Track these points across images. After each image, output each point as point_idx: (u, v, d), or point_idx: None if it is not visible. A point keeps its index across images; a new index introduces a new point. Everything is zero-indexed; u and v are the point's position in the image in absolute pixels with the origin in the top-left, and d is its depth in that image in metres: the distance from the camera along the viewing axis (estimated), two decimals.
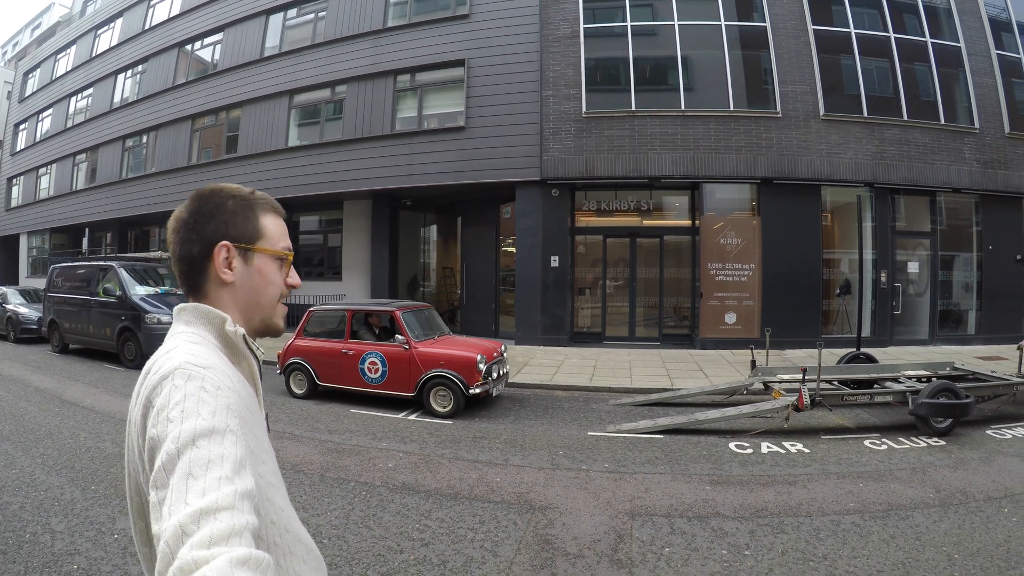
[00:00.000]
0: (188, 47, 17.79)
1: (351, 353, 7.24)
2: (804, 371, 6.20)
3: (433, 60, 13.12)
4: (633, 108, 11.80)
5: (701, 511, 4.07)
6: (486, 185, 12.34)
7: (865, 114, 12.13)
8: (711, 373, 9.11)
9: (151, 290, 10.40)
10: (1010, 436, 6.15)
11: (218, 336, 0.95)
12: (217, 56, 16.87)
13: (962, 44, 13.11)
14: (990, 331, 12.60)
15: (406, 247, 14.37)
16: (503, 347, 7.50)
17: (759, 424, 6.29)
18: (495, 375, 6.98)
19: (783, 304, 11.49)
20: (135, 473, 0.86)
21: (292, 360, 7.60)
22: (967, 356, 10.19)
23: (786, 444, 5.71)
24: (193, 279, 0.99)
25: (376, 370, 7.06)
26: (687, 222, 12.03)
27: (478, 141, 12.35)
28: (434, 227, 15.20)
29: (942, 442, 5.85)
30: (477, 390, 6.63)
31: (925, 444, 5.80)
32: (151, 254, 12.89)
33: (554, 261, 11.66)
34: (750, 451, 5.50)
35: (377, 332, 7.61)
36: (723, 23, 12.19)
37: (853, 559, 3.42)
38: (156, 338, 9.43)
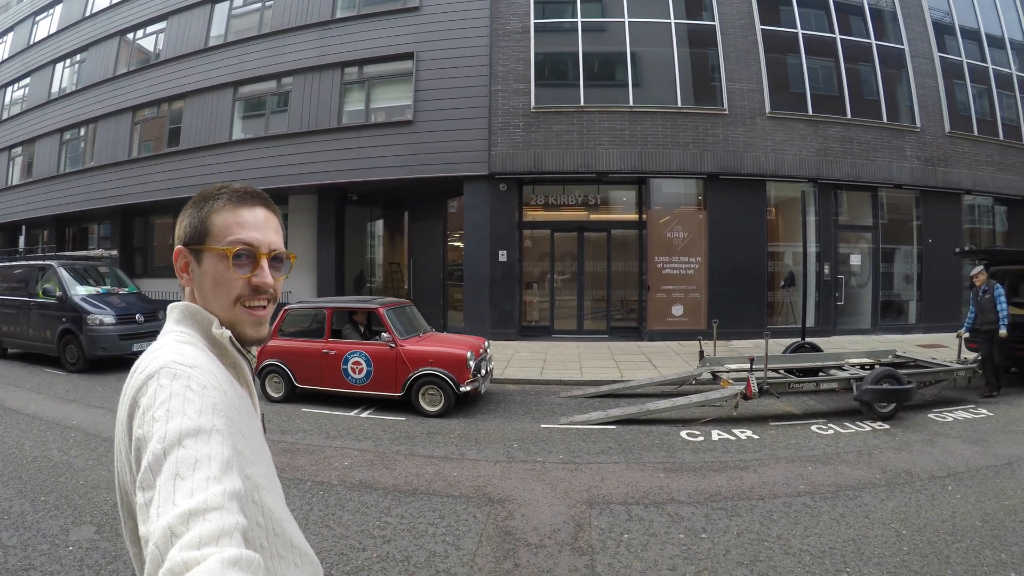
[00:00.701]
0: (130, 36, 17.39)
1: (332, 353, 6.95)
2: (751, 360, 6.42)
3: (381, 53, 13.10)
4: (582, 104, 11.97)
5: (657, 498, 4.22)
6: (434, 179, 12.36)
7: (810, 112, 12.54)
8: (660, 364, 9.29)
9: (92, 290, 10.09)
10: (951, 419, 6.49)
11: (206, 336, 0.95)
12: (160, 45, 16.53)
13: (906, 46, 13.67)
14: (930, 320, 13.18)
15: (352, 242, 14.28)
16: (487, 343, 7.44)
17: (709, 413, 6.47)
18: (483, 372, 6.95)
19: (729, 296, 11.78)
20: (123, 474, 0.85)
21: (267, 362, 7.22)
22: (908, 344, 10.60)
23: (736, 431, 5.92)
24: (181, 283, 1.01)
25: (360, 370, 6.83)
26: (634, 216, 12.25)
27: (426, 135, 12.36)
28: (381, 222, 15.14)
29: (886, 426, 6.13)
30: (467, 388, 6.55)
31: (870, 428, 6.08)
32: (91, 252, 12.53)
33: (502, 255, 11.74)
34: (701, 439, 5.70)
35: (361, 331, 7.41)
36: (672, 21, 12.47)
37: (806, 538, 3.59)
38: (99, 340, 9.18)
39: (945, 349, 9.89)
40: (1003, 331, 7.49)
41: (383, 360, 6.76)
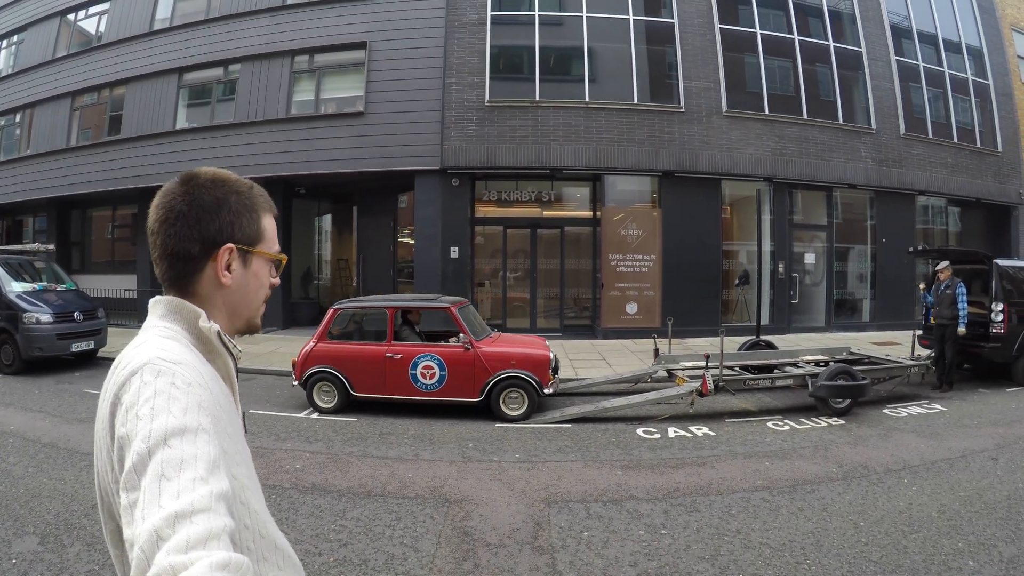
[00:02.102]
0: (71, 16, 17.05)
1: (398, 357, 6.59)
2: (707, 358, 6.63)
3: (334, 41, 13.11)
4: (537, 98, 12.17)
5: (615, 495, 4.34)
6: (385, 173, 12.43)
7: (766, 112, 12.96)
8: (614, 362, 9.50)
9: (28, 286, 9.88)
10: (905, 414, 6.82)
11: (191, 331, 0.94)
12: (102, 28, 16.24)
13: (863, 49, 14.21)
14: (883, 318, 13.73)
15: (299, 238, 14.21)
16: (547, 343, 7.39)
17: (665, 410, 6.66)
18: (559, 373, 6.88)
19: (684, 294, 12.10)
20: (103, 473, 0.84)
21: (316, 369, 6.70)
22: (862, 342, 11.01)
23: (692, 428, 6.13)
24: (184, 278, 0.96)
25: (432, 375, 6.53)
26: (588, 213, 12.52)
27: (378, 128, 12.42)
28: (329, 217, 15.14)
29: (841, 421, 6.42)
30: (550, 390, 6.51)
31: (825, 424, 6.35)
32: (27, 246, 12.26)
33: (454, 252, 11.87)
34: (658, 436, 5.88)
35: (418, 331, 7.14)
36: (631, 17, 12.75)
37: (766, 531, 3.75)
38: (36, 340, 8.96)
39: (899, 347, 10.31)
40: (962, 329, 7.90)
41: (459, 363, 6.50)
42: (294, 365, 6.87)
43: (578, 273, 12.45)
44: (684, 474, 4.79)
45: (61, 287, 10.23)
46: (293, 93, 13.36)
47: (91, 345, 9.68)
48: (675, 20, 12.88)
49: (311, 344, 6.85)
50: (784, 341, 10.83)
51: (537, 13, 12.64)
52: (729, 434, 5.94)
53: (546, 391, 6.51)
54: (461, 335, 6.68)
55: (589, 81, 12.34)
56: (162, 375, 0.79)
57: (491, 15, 12.62)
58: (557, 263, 12.40)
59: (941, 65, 15.35)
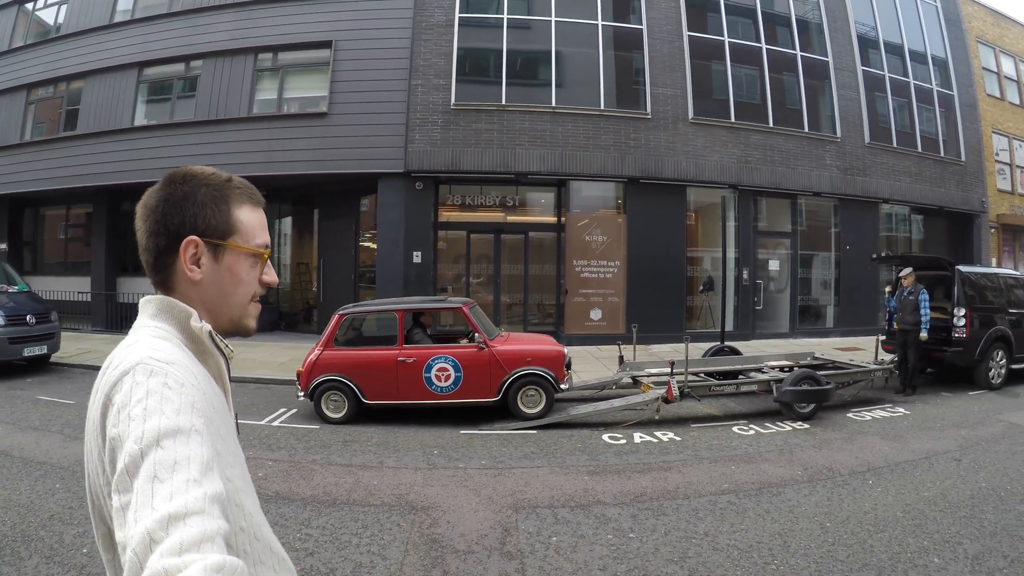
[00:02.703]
0: (29, 5, 16.68)
1: (411, 361, 6.50)
2: (672, 364, 6.72)
3: (298, 40, 13.00)
4: (503, 102, 12.21)
5: (582, 500, 4.40)
6: (347, 176, 12.36)
7: (732, 119, 13.16)
8: (579, 369, 9.52)
9: None
10: (869, 418, 7.00)
11: (183, 331, 0.94)
12: (61, 18, 15.91)
13: (830, 59, 14.50)
14: (847, 324, 14.03)
15: None
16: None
17: (631, 416, 6.72)
18: (571, 369, 7.04)
19: (648, 300, 12.23)
20: (94, 476, 0.83)
21: (324, 377, 6.53)
22: (826, 347, 11.20)
23: (658, 433, 6.21)
24: (159, 273, 0.97)
25: (447, 377, 6.48)
26: (553, 219, 12.60)
27: (341, 129, 12.34)
28: (289, 219, 14.99)
29: (806, 425, 6.56)
30: (565, 386, 6.61)
31: (790, 428, 6.49)
32: None
33: (416, 256, 11.86)
34: (624, 442, 5.96)
35: (429, 333, 7.09)
36: (600, 23, 12.85)
37: (733, 534, 3.83)
38: None
39: (863, 352, 10.52)
40: (924, 334, 8.13)
41: (474, 364, 6.49)
42: (298, 375, 6.68)
43: (542, 279, 12.51)
44: (651, 478, 4.87)
45: (13, 289, 10.00)
46: (256, 92, 13.22)
47: (44, 350, 9.48)
48: (643, 26, 13.01)
49: (316, 352, 6.64)
50: (748, 347, 11.00)
51: (506, 16, 12.68)
52: (695, 439, 6.05)
53: (563, 387, 6.61)
54: (476, 335, 6.65)
55: (556, 86, 12.42)
56: (154, 375, 0.79)
57: (459, 17, 12.62)
58: (521, 268, 12.45)
59: (907, 76, 15.71)
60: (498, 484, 4.71)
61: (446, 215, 12.47)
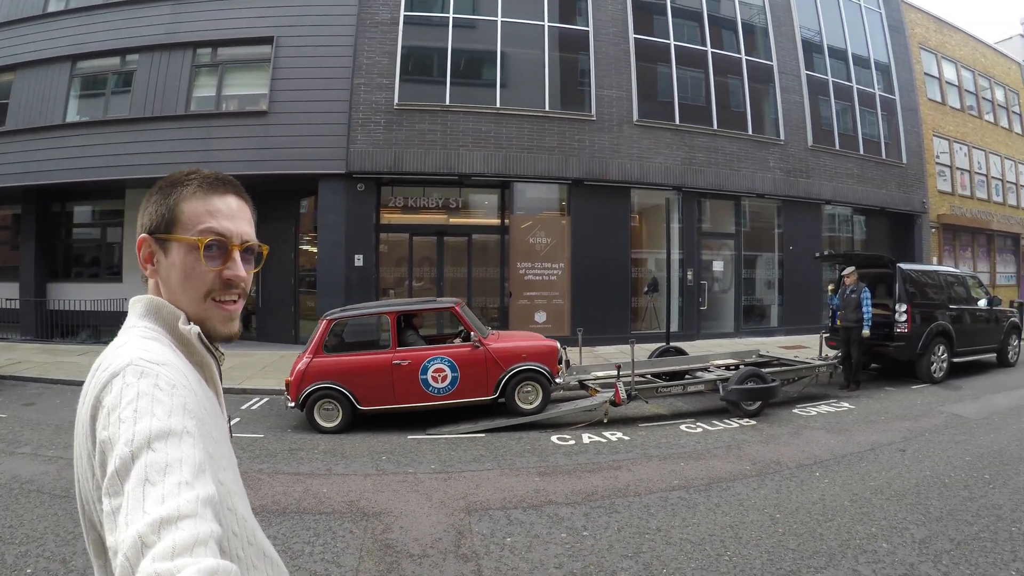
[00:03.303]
0: None
1: (406, 364, 6.47)
2: (619, 367, 6.80)
3: (239, 35, 12.77)
4: (447, 103, 12.21)
5: (534, 501, 4.47)
6: (287, 177, 12.21)
7: (677, 121, 13.41)
8: None
9: None
10: (815, 413, 7.24)
11: (172, 333, 0.93)
12: None
13: (774, 62, 14.86)
14: (791, 323, 14.46)
15: None
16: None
17: (579, 418, 6.84)
18: (564, 363, 7.13)
19: (593, 302, 12.41)
20: (84, 480, 0.82)
21: (316, 386, 6.41)
22: (771, 346, 11.47)
23: (606, 434, 6.33)
24: (144, 274, 0.99)
25: (444, 378, 6.51)
26: (496, 221, 12.67)
27: (281, 128, 12.18)
28: None
29: (753, 422, 6.76)
30: (561, 380, 6.75)
31: (737, 425, 6.67)
32: None
33: (358, 260, 11.80)
34: (572, 443, 6.06)
35: (421, 335, 7.11)
36: (546, 24, 12.93)
37: (685, 528, 3.96)
38: None
39: (807, 350, 10.83)
40: (866, 331, 8.42)
41: (470, 363, 6.54)
42: (287, 386, 6.52)
43: (486, 282, 12.55)
44: (601, 478, 4.97)
45: None
46: (193, 88, 12.94)
47: None
48: (590, 28, 13.15)
49: (306, 360, 6.51)
50: (694, 347, 11.23)
51: (451, 15, 12.66)
52: (643, 438, 6.18)
53: (557, 380, 6.76)
54: (471, 334, 6.70)
55: (501, 87, 12.46)
56: (145, 376, 0.79)
57: (404, 15, 12.56)
58: (464, 271, 12.47)
59: (850, 80, 16.20)
60: (449, 488, 4.76)
61: (388, 217, 12.42)
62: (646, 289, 13.01)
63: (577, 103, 12.91)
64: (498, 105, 12.33)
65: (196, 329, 0.93)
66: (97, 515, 0.78)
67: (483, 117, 12.24)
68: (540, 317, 12.40)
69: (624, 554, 3.58)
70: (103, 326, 13.01)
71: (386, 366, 6.51)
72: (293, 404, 6.47)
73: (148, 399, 0.76)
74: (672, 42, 13.77)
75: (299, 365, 6.51)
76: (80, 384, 0.88)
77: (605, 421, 6.71)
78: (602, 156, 12.64)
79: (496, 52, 12.59)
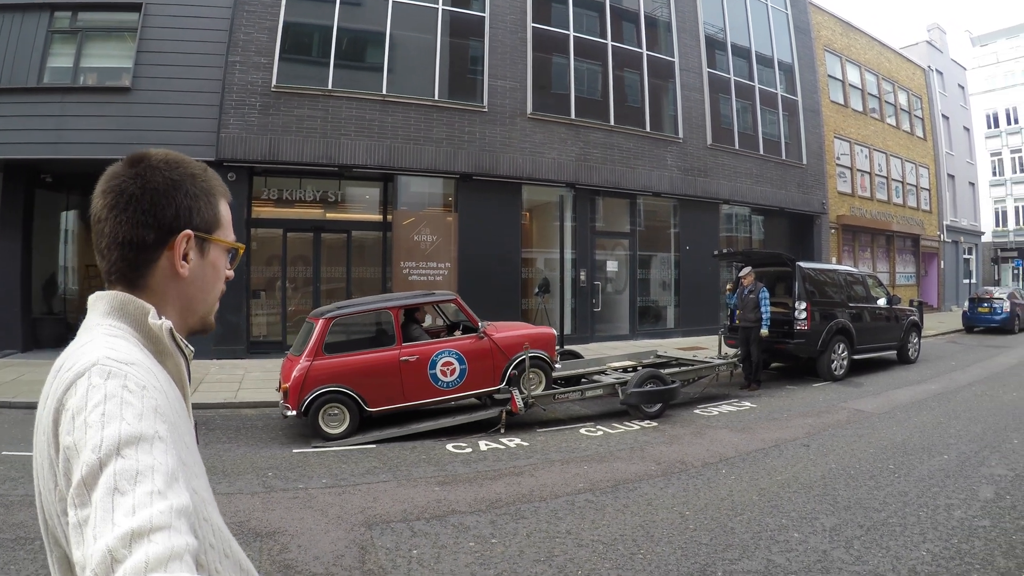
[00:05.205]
0: None
1: (414, 359, 6.50)
2: (514, 377, 6.82)
3: None
4: (330, 86, 11.87)
5: (437, 511, 4.43)
6: None
7: (572, 116, 13.56)
8: None
9: None
10: (717, 413, 7.51)
11: (139, 330, 0.88)
12: None
13: (676, 59, 15.21)
14: (688, 324, 14.98)
15: (42, 238, 12.64)
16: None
17: (475, 416, 6.82)
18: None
19: (481, 304, 12.17)
20: (46, 492, 0.78)
21: (320, 390, 6.24)
22: (668, 348, 11.71)
23: (504, 440, 6.35)
24: (136, 270, 0.91)
25: (452, 371, 6.61)
26: (378, 217, 12.45)
27: (147, 108, 11.54)
28: (75, 212, 13.68)
29: (654, 423, 6.93)
30: (559, 365, 7.08)
31: (639, 426, 6.84)
32: None
33: None
34: (469, 450, 6.02)
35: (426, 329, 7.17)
36: (440, 6, 12.71)
37: (595, 529, 4.02)
38: None
39: (705, 351, 11.16)
40: (764, 331, 8.77)
41: (477, 354, 6.67)
42: (285, 393, 6.28)
43: (366, 282, 12.20)
44: (504, 484, 4.99)
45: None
46: (48, 57, 12.06)
47: None
48: (486, 14, 13.05)
49: (306, 363, 6.29)
50: (588, 350, 11.39)
51: None
52: (543, 443, 6.25)
53: (557, 366, 7.09)
54: (480, 323, 6.87)
55: (388, 72, 12.18)
56: (113, 377, 0.75)
57: None
58: (343, 271, 12.12)
59: (752, 79, 16.82)
60: (345, 502, 4.66)
61: (260, 211, 11.88)
62: (537, 290, 13.10)
63: (469, 93, 12.83)
64: (384, 92, 12.09)
65: (168, 324, 0.90)
66: (62, 528, 0.75)
67: (368, 104, 11.99)
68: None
69: (536, 559, 3.63)
70: None
71: (394, 363, 6.49)
72: (294, 412, 6.25)
73: (116, 402, 0.73)
74: (572, 33, 13.86)
75: (298, 371, 6.26)
76: None
77: (502, 430, 6.72)
78: (493, 150, 12.64)
79: (385, 34, 12.28)
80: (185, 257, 0.93)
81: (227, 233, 1.01)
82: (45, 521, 0.83)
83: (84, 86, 11.95)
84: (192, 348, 0.98)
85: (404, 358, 6.54)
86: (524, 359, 6.85)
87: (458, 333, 7.13)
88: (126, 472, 0.67)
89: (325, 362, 6.40)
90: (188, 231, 0.93)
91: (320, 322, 6.50)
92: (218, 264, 1.00)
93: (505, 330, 7.23)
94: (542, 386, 7.08)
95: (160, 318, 0.91)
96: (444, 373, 6.66)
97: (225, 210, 1.02)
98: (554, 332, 7.30)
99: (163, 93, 11.60)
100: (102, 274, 0.95)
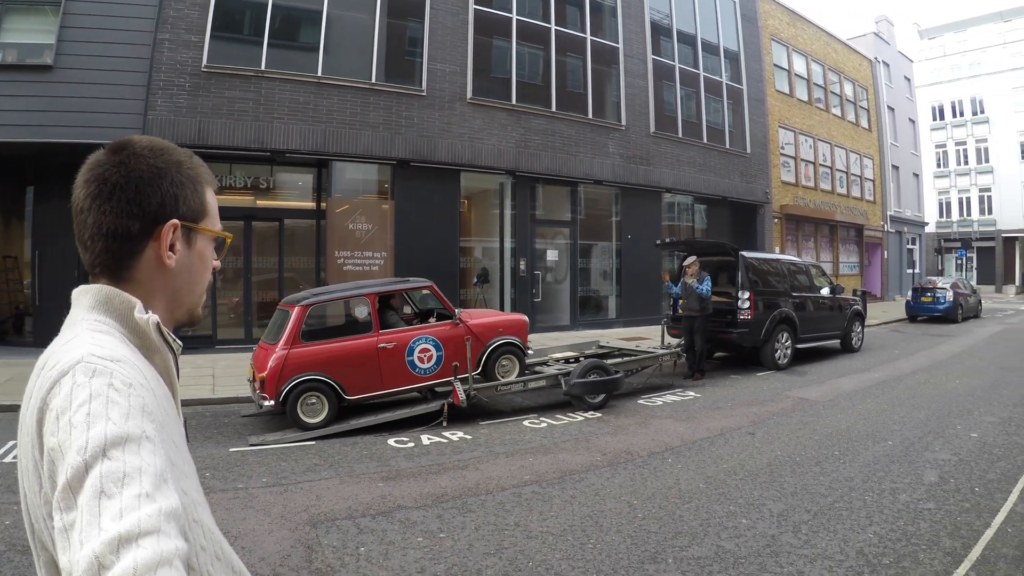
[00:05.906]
0: None
1: (392, 346, 6.57)
2: (455, 366, 6.76)
3: None
4: (263, 67, 11.72)
5: (382, 507, 4.43)
6: (72, 146, 11.30)
7: (513, 101, 13.65)
8: None
9: None
10: (661, 403, 7.65)
11: (125, 324, 0.87)
12: None
13: (620, 45, 15.40)
14: (630, 314, 15.29)
15: None
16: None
17: (418, 410, 6.83)
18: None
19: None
20: (31, 495, 0.77)
21: (299, 378, 6.20)
22: (610, 338, 11.78)
23: (446, 434, 6.37)
24: (121, 261, 0.89)
25: (429, 357, 6.73)
26: (312, 204, 12.35)
27: (70, 88, 11.23)
28: None
29: (599, 414, 7.04)
30: (531, 351, 7.34)
31: (583, 417, 6.93)
32: None
33: None
34: (412, 444, 6.02)
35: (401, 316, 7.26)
36: None
37: (544, 521, 4.09)
38: None
39: (648, 341, 11.31)
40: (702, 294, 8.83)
41: (453, 340, 6.77)
42: (262, 382, 6.17)
43: (300, 272, 12.08)
44: (449, 478, 5.03)
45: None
46: None
47: None
48: None
49: (283, 352, 6.23)
50: (528, 341, 11.62)
51: None
52: (486, 436, 6.29)
53: (529, 351, 7.34)
54: (457, 310, 7.06)
55: (324, 52, 12.06)
56: (98, 375, 0.73)
57: None
58: (275, 261, 11.92)
59: (697, 67, 17.14)
60: (287, 501, 4.62)
61: None
62: (475, 280, 13.15)
63: (407, 76, 12.81)
64: (320, 73, 11.98)
65: (155, 318, 0.89)
66: (48, 533, 0.74)
67: (302, 86, 11.89)
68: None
69: (486, 552, 3.67)
70: None
71: (372, 350, 6.56)
72: (271, 402, 6.20)
73: (102, 401, 0.71)
74: (514, 16, 13.90)
75: (275, 360, 6.20)
76: None
77: (444, 424, 6.69)
78: (431, 135, 12.67)
79: (321, 13, 12.10)
80: (172, 248, 0.92)
81: (214, 222, 1.01)
82: (31, 525, 0.81)
83: (2, 63, 11.59)
84: (180, 343, 0.97)
85: (382, 345, 6.62)
86: (497, 344, 7.13)
87: (432, 320, 7.26)
88: (113, 474, 0.66)
89: (303, 350, 6.37)
90: (175, 221, 0.92)
91: (296, 309, 6.46)
92: (205, 254, 0.99)
93: (479, 316, 7.41)
94: (515, 372, 7.26)
95: (147, 312, 0.89)
96: (421, 360, 6.79)
97: (212, 198, 1.02)
98: (527, 319, 7.48)
99: (87, 72, 11.32)
100: (86, 266, 0.93)
